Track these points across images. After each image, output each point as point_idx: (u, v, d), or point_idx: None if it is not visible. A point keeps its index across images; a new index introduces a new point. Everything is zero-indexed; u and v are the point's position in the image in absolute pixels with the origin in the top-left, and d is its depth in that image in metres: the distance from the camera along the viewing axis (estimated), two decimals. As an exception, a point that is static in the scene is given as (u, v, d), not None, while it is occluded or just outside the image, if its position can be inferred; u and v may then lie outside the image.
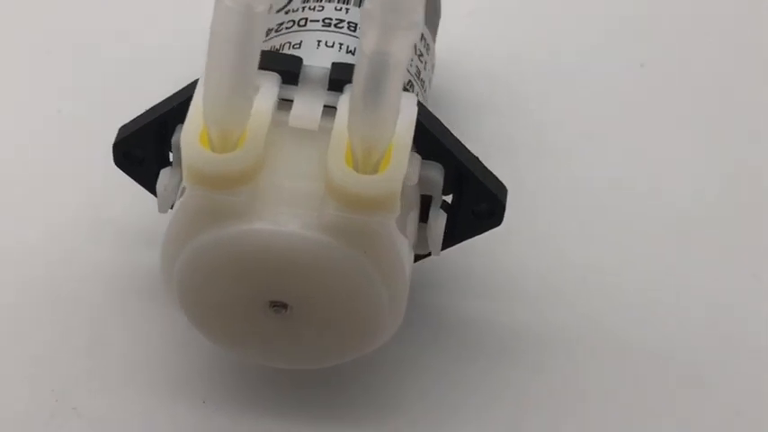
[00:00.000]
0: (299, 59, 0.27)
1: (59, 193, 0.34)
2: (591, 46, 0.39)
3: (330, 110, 0.26)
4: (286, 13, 0.30)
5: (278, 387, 0.30)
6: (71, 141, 0.36)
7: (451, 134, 0.28)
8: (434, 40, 0.34)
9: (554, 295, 0.33)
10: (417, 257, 0.30)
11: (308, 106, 0.26)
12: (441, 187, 0.28)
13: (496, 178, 0.29)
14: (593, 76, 0.39)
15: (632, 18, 0.40)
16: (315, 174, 0.25)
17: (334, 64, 0.27)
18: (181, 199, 0.26)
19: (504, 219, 0.29)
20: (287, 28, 0.30)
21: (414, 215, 0.28)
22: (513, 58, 0.39)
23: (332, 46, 0.29)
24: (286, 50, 0.29)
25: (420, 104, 0.27)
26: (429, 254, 0.29)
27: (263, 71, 0.26)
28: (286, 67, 0.27)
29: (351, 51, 0.29)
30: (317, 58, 0.29)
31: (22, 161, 0.35)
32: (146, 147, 0.29)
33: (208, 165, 0.24)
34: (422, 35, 0.32)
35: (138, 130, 0.28)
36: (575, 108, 0.38)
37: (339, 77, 0.27)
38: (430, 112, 0.28)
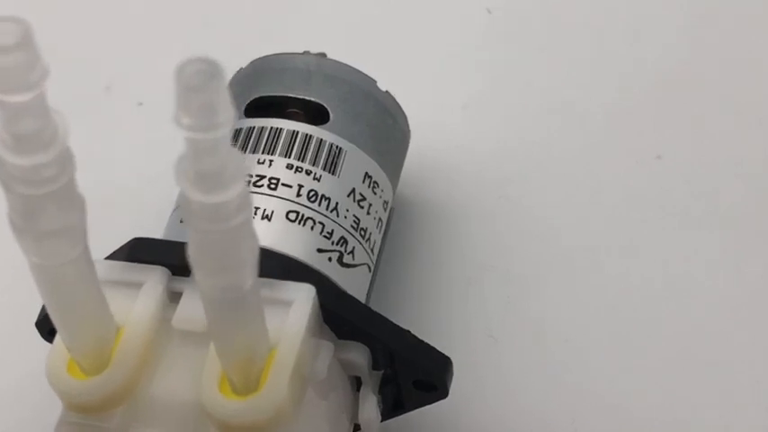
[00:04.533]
0: (190, 248, 0.25)
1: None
2: (596, 140, 0.34)
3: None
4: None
5: None
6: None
7: (370, 312, 0.25)
8: (398, 170, 0.30)
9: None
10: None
11: (195, 304, 0.24)
12: (367, 369, 0.25)
13: (434, 351, 0.26)
14: (599, 173, 0.34)
15: (642, 106, 0.35)
16: (196, 385, 0.23)
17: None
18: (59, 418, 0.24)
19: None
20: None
21: (336, 395, 0.25)
22: (509, 154, 0.34)
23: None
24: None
25: (328, 288, 0.24)
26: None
27: (149, 266, 0.24)
28: (174, 261, 0.24)
29: (267, 217, 0.26)
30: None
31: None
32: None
33: (74, 394, 0.22)
34: (365, 174, 0.28)
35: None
36: (577, 212, 0.33)
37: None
38: (341, 293, 0.25)
